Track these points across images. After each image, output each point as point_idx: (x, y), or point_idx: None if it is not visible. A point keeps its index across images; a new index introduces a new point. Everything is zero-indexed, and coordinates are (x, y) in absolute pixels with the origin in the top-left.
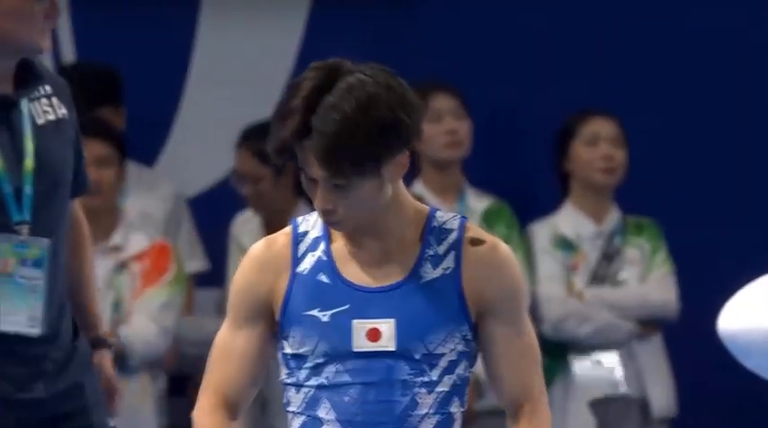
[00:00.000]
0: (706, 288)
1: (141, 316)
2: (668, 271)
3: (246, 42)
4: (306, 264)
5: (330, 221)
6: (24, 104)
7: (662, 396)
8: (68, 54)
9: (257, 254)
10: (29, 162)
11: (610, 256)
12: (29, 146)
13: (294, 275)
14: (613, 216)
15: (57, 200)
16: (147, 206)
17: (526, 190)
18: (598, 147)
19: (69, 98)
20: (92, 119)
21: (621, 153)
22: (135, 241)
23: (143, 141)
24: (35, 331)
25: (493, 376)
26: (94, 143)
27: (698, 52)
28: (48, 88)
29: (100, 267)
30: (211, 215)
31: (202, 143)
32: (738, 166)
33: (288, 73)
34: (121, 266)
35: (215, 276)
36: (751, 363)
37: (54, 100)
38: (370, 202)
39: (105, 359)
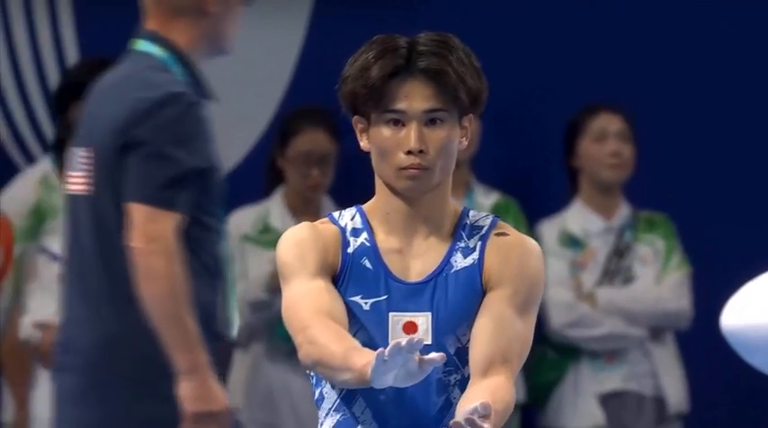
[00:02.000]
0: (718, 284)
1: None
2: (684, 275)
3: (249, 39)
4: (352, 247)
5: (418, 166)
6: None
7: (676, 391)
8: (71, 54)
9: (306, 228)
10: None
11: (620, 252)
12: None
13: (346, 255)
14: (623, 211)
15: None
16: None
17: (536, 187)
18: (606, 143)
19: None
20: None
21: (629, 148)
22: None
23: None
24: None
25: (476, 333)
26: None
27: (711, 45)
28: None
29: None
30: None
31: None
32: (753, 161)
33: (290, 72)
34: None
35: None
36: (755, 360)
37: None
38: (450, 151)
39: None
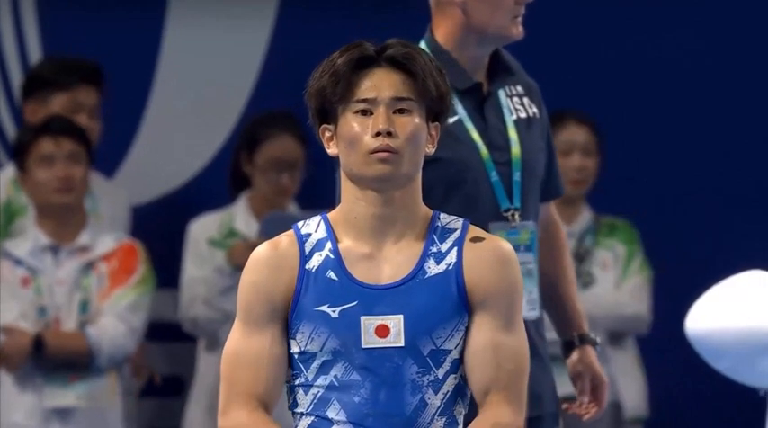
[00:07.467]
0: (681, 289)
1: (109, 316)
2: (644, 279)
3: (214, 42)
4: (314, 262)
5: (387, 148)
6: (502, 96)
7: (634, 397)
8: (35, 55)
9: (265, 254)
10: (516, 150)
11: (580, 257)
12: (512, 135)
13: (304, 271)
14: (585, 216)
15: (534, 192)
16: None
17: None
18: (571, 157)
19: (540, 99)
20: (61, 118)
21: (594, 161)
22: (103, 241)
23: (108, 144)
24: (534, 314)
25: (469, 367)
26: (65, 140)
27: (676, 53)
28: (519, 88)
29: (67, 267)
30: (173, 219)
31: (169, 146)
32: (717, 167)
33: (255, 76)
34: (89, 266)
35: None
36: (720, 365)
37: (525, 99)
38: (419, 143)
39: (592, 356)
